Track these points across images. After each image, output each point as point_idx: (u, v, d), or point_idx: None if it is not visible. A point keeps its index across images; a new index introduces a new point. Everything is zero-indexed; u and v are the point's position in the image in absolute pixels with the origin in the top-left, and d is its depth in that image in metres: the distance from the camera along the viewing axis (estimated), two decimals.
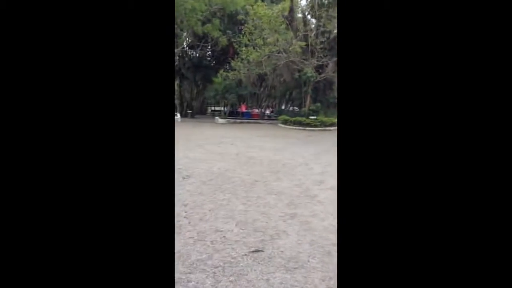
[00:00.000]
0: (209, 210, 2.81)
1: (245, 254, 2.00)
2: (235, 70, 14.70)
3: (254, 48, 13.77)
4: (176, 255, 1.93)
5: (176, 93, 20.83)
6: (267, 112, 19.47)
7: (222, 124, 14.93)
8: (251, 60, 14.01)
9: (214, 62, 20.19)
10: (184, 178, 3.95)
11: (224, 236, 2.27)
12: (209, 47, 18.24)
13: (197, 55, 19.27)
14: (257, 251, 2.07)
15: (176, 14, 13.57)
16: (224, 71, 16.61)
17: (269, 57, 14.27)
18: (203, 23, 14.98)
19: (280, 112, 17.10)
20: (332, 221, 2.60)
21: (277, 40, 13.51)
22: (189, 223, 2.49)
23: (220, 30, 15.59)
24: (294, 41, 13.32)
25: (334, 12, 13.06)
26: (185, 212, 2.73)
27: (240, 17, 14.84)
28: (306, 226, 2.52)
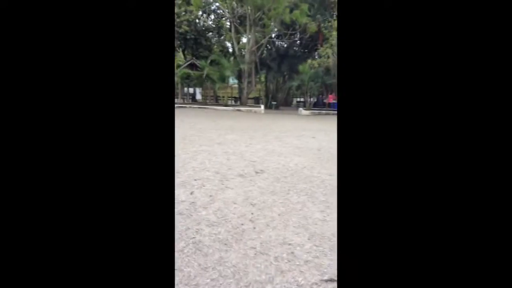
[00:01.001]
0: (279, 215, 2.44)
1: (316, 283, 1.56)
2: (322, 57, 13.80)
3: None
4: (231, 270, 1.64)
5: (261, 84, 21.10)
6: None
7: (306, 115, 14.29)
8: None
9: (301, 51, 19.49)
10: (257, 172, 3.69)
11: (292, 252, 1.86)
12: (296, 35, 17.66)
13: (284, 44, 18.93)
14: (332, 280, 1.60)
15: (263, 2, 13.48)
16: (311, 59, 15.83)
17: None
18: (291, 10, 14.46)
19: None
20: None
21: None
22: (254, 228, 2.18)
23: (309, 16, 14.78)
24: None
25: None
26: (252, 214, 2.44)
27: None
28: None
